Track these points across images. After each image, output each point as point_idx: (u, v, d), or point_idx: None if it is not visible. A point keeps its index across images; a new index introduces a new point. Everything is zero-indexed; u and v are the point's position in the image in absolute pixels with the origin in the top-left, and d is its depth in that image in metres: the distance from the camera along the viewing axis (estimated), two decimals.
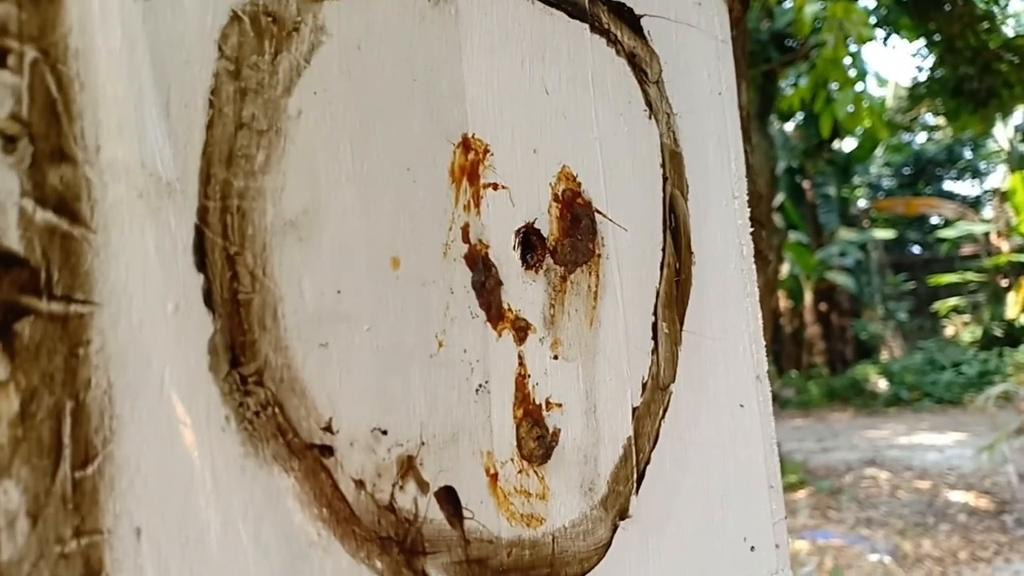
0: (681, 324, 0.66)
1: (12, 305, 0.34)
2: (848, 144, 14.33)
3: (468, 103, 0.54)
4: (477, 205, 0.54)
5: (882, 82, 11.12)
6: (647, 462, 0.61)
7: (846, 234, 14.83)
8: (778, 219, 10.96)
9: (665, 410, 0.63)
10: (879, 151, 15.31)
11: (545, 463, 0.55)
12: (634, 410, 0.61)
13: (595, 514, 0.57)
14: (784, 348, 15.16)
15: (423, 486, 0.48)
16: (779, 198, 11.57)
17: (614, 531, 0.58)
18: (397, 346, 0.48)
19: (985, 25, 6.48)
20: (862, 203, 18.24)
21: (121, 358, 0.37)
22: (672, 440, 0.63)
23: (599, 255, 0.61)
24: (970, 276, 15.44)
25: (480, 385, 0.52)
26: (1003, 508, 6.29)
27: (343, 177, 0.46)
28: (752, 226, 1.02)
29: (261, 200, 0.43)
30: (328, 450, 0.44)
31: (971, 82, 6.70)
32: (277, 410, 0.42)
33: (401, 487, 0.47)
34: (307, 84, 0.46)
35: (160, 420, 0.38)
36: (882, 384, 13.04)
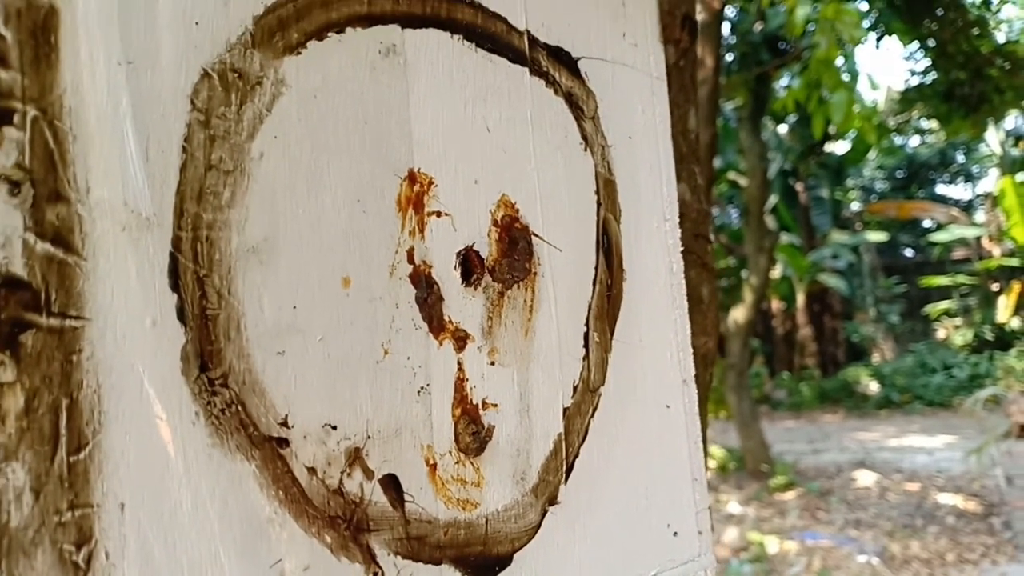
0: (612, 333, 0.74)
1: (17, 320, 0.42)
2: (841, 147, 14.44)
3: (414, 142, 0.62)
4: (422, 231, 0.62)
5: (875, 86, 11.21)
6: (576, 455, 0.69)
7: (839, 236, 14.93)
8: (771, 221, 11.04)
9: (594, 409, 0.71)
10: (872, 154, 15.40)
11: (480, 455, 0.63)
12: (565, 409, 0.69)
13: (526, 500, 0.65)
14: (776, 350, 15.26)
15: (368, 474, 0.56)
16: (772, 200, 11.65)
17: (543, 515, 0.66)
18: (346, 354, 0.56)
19: (976, 31, 6.56)
20: (855, 206, 18.36)
21: (107, 364, 0.45)
22: (600, 436, 0.71)
23: (535, 273, 0.69)
24: (961, 280, 15.54)
25: (422, 387, 0.60)
26: (991, 511, 6.35)
27: (299, 209, 0.54)
28: (698, 241, 1.10)
29: (227, 230, 0.51)
30: (284, 442, 0.52)
31: (963, 87, 6.78)
32: (240, 408, 0.50)
33: (349, 474, 0.55)
34: (268, 130, 0.54)
35: (140, 415, 0.46)
36: (873, 386, 13.13)
